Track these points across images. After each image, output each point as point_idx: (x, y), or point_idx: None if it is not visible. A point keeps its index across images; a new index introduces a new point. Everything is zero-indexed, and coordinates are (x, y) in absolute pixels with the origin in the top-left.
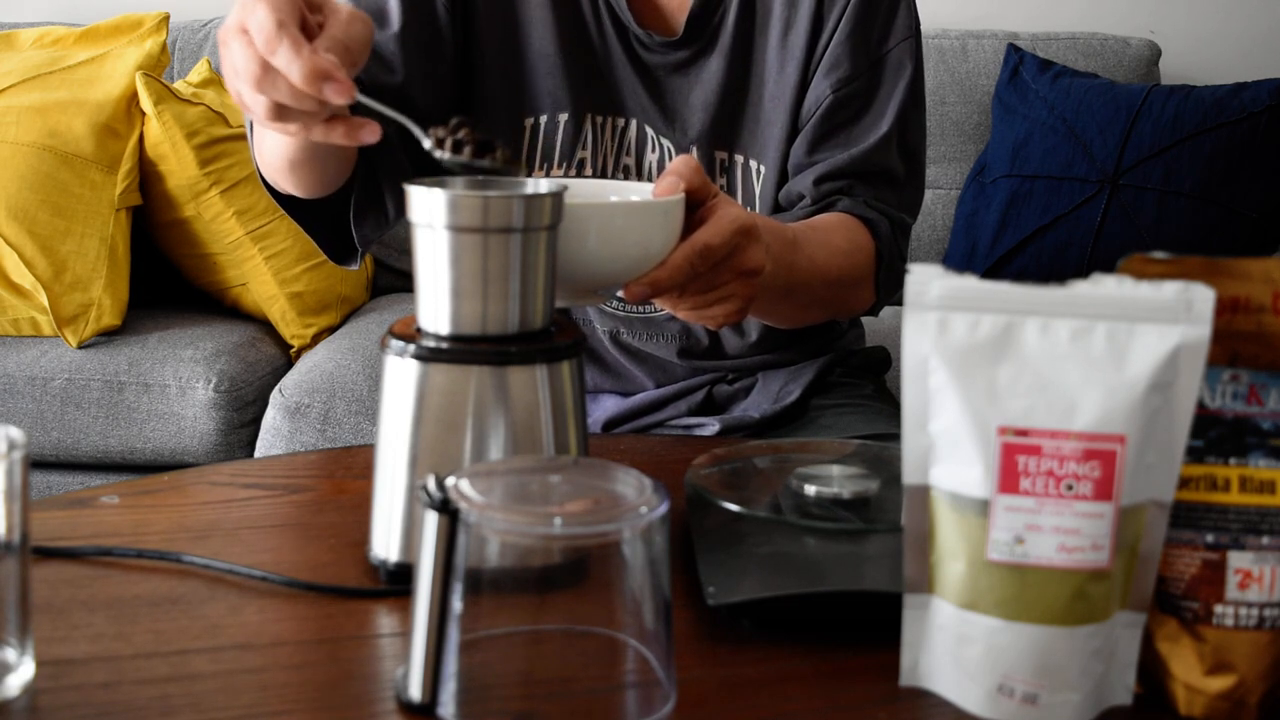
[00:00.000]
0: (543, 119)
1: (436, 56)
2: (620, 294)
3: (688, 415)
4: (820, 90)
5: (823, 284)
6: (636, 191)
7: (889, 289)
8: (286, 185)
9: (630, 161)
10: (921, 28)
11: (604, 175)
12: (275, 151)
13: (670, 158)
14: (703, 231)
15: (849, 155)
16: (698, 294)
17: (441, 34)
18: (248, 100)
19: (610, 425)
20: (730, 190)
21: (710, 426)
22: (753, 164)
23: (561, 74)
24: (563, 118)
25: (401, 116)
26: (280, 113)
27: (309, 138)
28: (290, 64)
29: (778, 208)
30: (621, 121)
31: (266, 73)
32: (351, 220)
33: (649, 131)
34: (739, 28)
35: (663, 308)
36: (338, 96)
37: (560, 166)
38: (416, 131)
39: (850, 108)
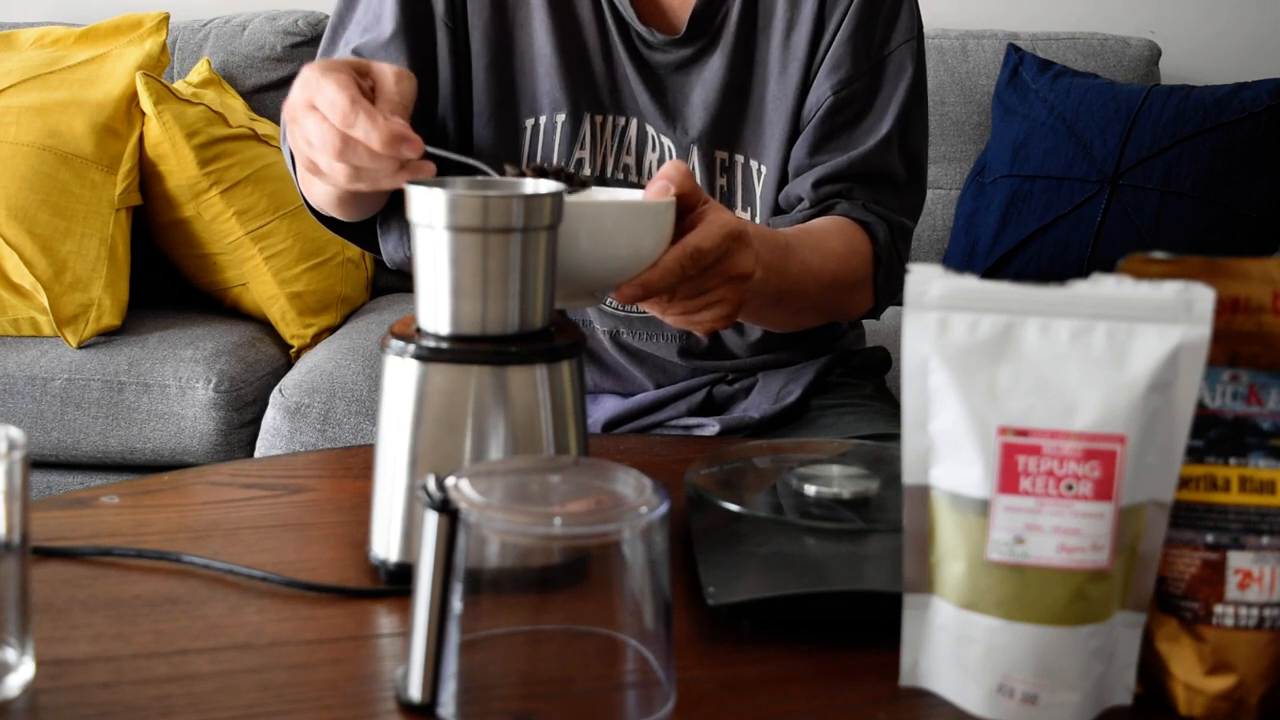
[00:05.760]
0: (542, 119)
1: (434, 61)
2: (611, 296)
3: (688, 415)
4: (821, 91)
5: (817, 288)
6: (628, 196)
7: (888, 292)
8: (337, 215)
9: (630, 161)
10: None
11: (603, 175)
12: (324, 194)
13: (670, 157)
14: (694, 235)
15: (848, 158)
16: (687, 298)
17: (438, 39)
18: (326, 168)
19: (610, 426)
20: (731, 191)
21: (710, 427)
22: (753, 164)
23: (560, 74)
24: (560, 118)
25: (471, 160)
26: (358, 175)
27: (379, 188)
28: (369, 134)
29: (778, 209)
30: (622, 120)
31: (347, 144)
32: (378, 236)
33: (649, 130)
34: (741, 27)
35: (651, 312)
36: (413, 153)
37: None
38: (488, 171)
39: (851, 109)
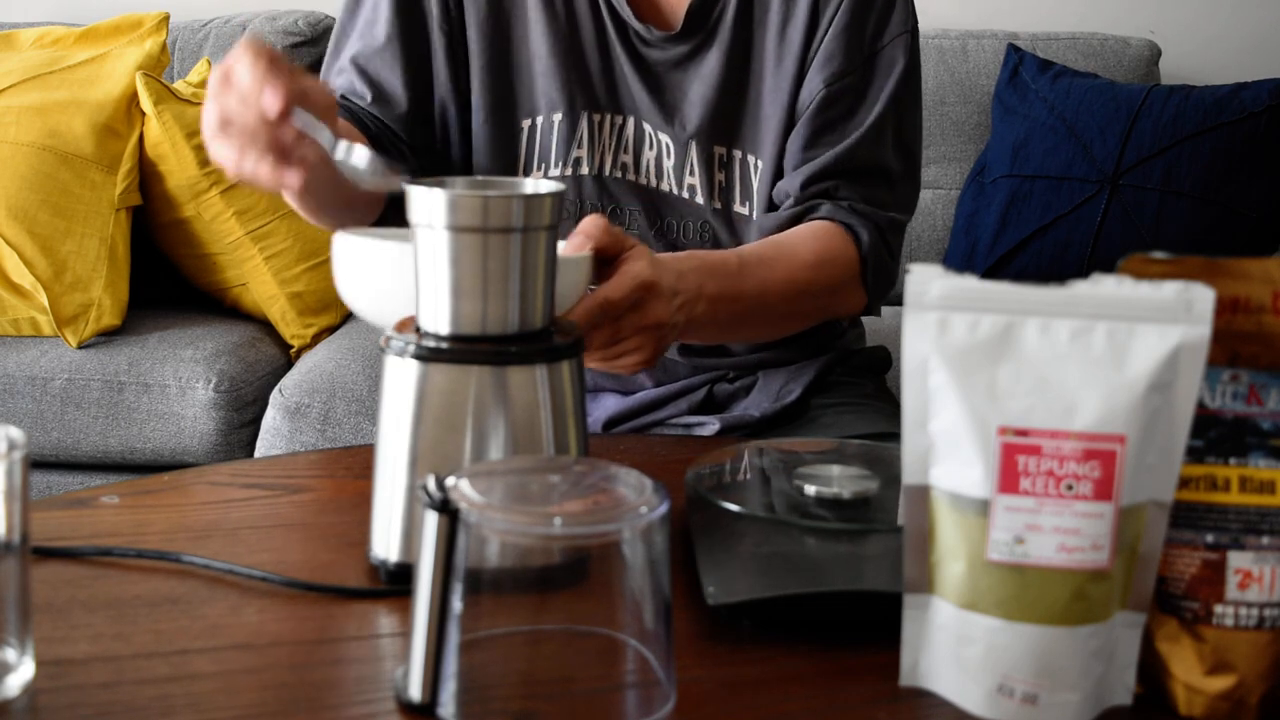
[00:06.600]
0: (539, 119)
1: (431, 65)
2: None
3: (688, 414)
4: (814, 85)
5: (783, 300)
6: None
7: (878, 290)
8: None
9: (628, 159)
10: (922, 28)
11: (600, 173)
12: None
13: (668, 154)
14: (605, 287)
15: (835, 153)
16: (603, 346)
17: (434, 43)
18: (204, 116)
19: (611, 424)
20: (729, 186)
21: (710, 425)
22: (750, 159)
23: (556, 73)
24: (557, 117)
25: (329, 135)
26: (224, 125)
27: (245, 167)
28: (241, 64)
29: (773, 204)
30: (620, 119)
31: (223, 82)
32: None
33: (647, 128)
34: (738, 22)
35: None
36: (273, 106)
37: (557, 166)
38: (326, 141)
39: (843, 103)
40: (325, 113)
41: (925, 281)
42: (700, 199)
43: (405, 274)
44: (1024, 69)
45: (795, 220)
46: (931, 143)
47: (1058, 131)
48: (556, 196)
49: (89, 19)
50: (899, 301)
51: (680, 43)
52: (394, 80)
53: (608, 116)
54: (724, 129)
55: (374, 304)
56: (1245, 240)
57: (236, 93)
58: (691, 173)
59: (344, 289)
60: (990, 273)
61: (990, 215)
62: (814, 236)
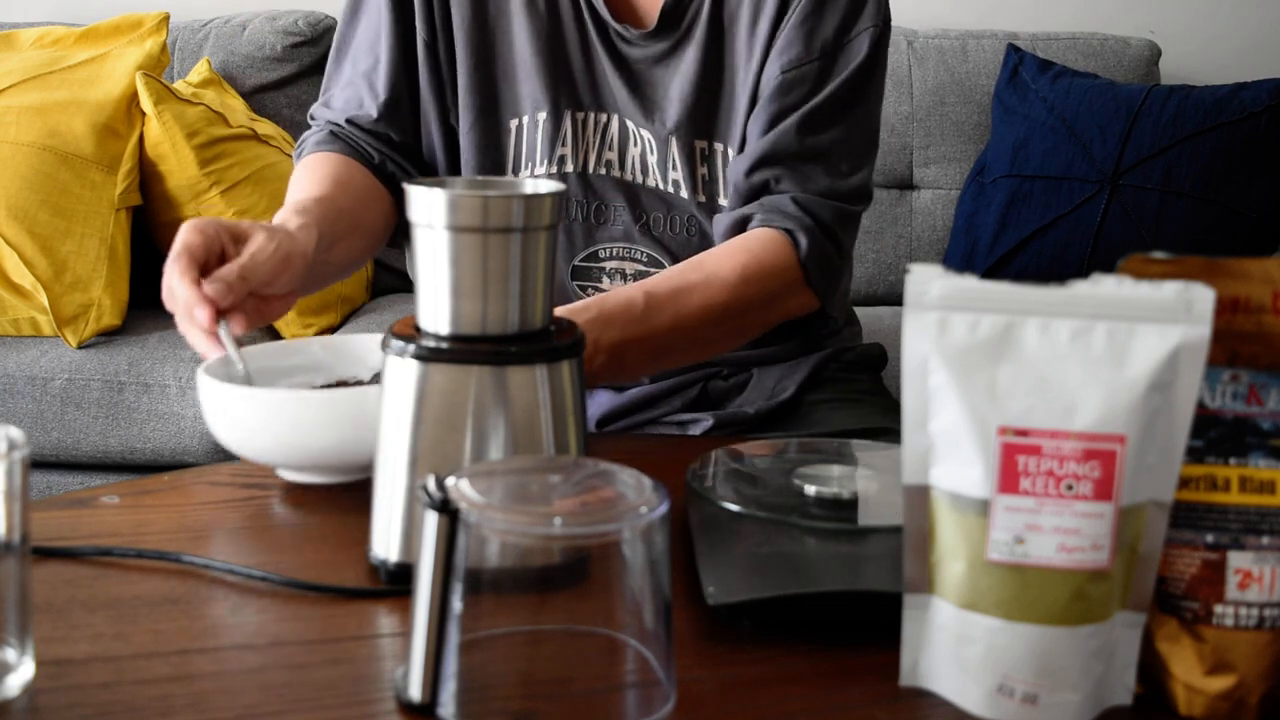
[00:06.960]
0: (524, 119)
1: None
2: None
3: (682, 410)
4: (771, 71)
5: (706, 325)
6: None
7: (827, 289)
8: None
9: (613, 156)
10: (921, 28)
11: (585, 170)
12: None
13: (651, 150)
14: None
15: (777, 132)
16: None
17: (420, 60)
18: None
19: (605, 421)
20: (712, 179)
21: (705, 422)
22: (730, 152)
23: (539, 74)
24: (541, 116)
25: (237, 354)
26: (187, 330)
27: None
28: (174, 278)
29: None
30: (604, 117)
31: (170, 293)
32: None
33: (630, 125)
34: (712, 17)
35: None
36: (202, 321)
37: (542, 164)
38: (233, 359)
39: (799, 90)
40: (281, 263)
41: (925, 281)
42: (684, 193)
43: (261, 415)
44: (1024, 69)
45: (739, 224)
46: (931, 143)
47: (1058, 131)
48: (557, 196)
49: (89, 19)
50: (898, 301)
51: (657, 40)
52: (402, 91)
53: (591, 114)
54: (703, 123)
55: (241, 444)
56: (1245, 240)
57: (179, 306)
58: (674, 168)
59: (211, 427)
60: (990, 273)
61: (990, 215)
62: (744, 250)
